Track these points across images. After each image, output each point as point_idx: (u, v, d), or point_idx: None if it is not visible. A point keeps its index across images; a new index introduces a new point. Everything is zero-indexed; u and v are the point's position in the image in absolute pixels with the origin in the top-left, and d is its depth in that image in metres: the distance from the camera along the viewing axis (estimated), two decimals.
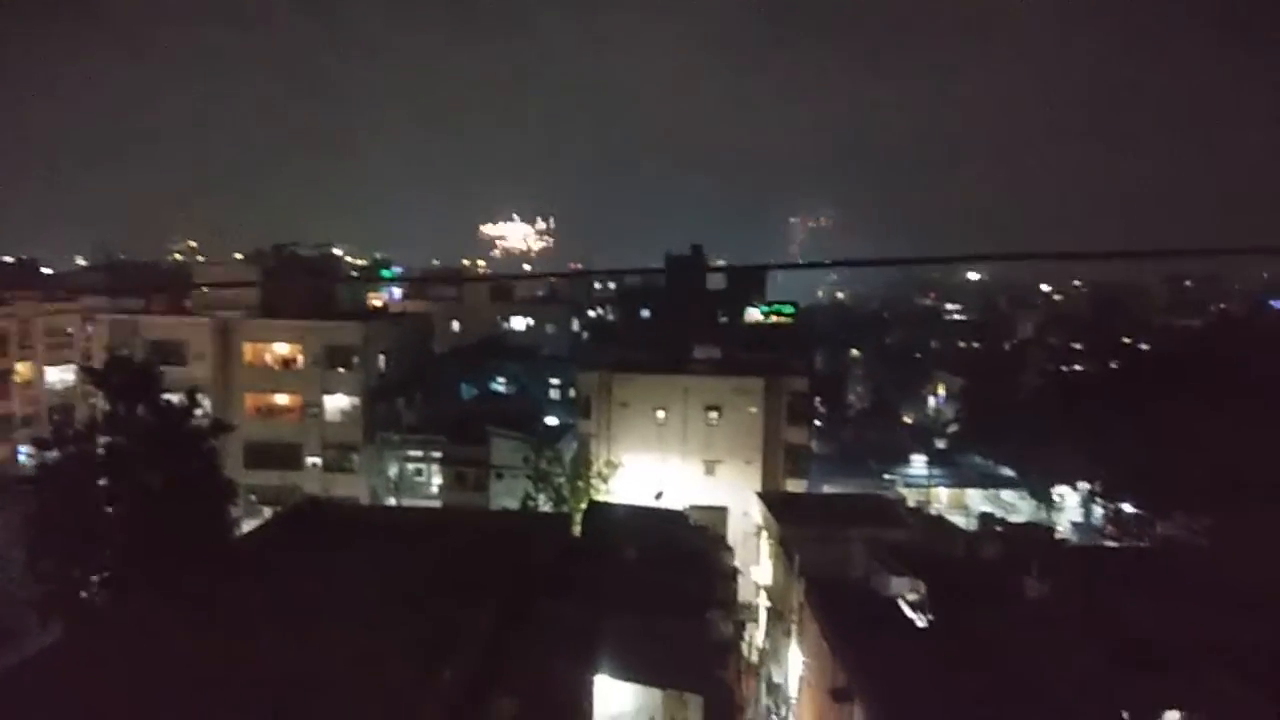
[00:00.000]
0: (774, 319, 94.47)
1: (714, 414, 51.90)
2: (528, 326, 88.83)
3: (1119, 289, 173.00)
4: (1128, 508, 58.81)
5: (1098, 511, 64.04)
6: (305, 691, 14.75)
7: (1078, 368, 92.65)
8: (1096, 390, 69.23)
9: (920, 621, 25.36)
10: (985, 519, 49.51)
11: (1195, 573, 29.57)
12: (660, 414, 51.83)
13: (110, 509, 29.79)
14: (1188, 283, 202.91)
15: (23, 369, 68.43)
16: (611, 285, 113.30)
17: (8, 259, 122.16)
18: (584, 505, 42.28)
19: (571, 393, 61.04)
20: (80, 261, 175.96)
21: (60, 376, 71.35)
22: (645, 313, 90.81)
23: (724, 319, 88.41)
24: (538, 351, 78.83)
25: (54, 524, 28.86)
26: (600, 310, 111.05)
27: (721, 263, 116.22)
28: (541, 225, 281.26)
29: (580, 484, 48.47)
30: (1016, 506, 65.53)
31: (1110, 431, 57.39)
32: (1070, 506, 66.41)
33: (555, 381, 68.79)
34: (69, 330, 72.71)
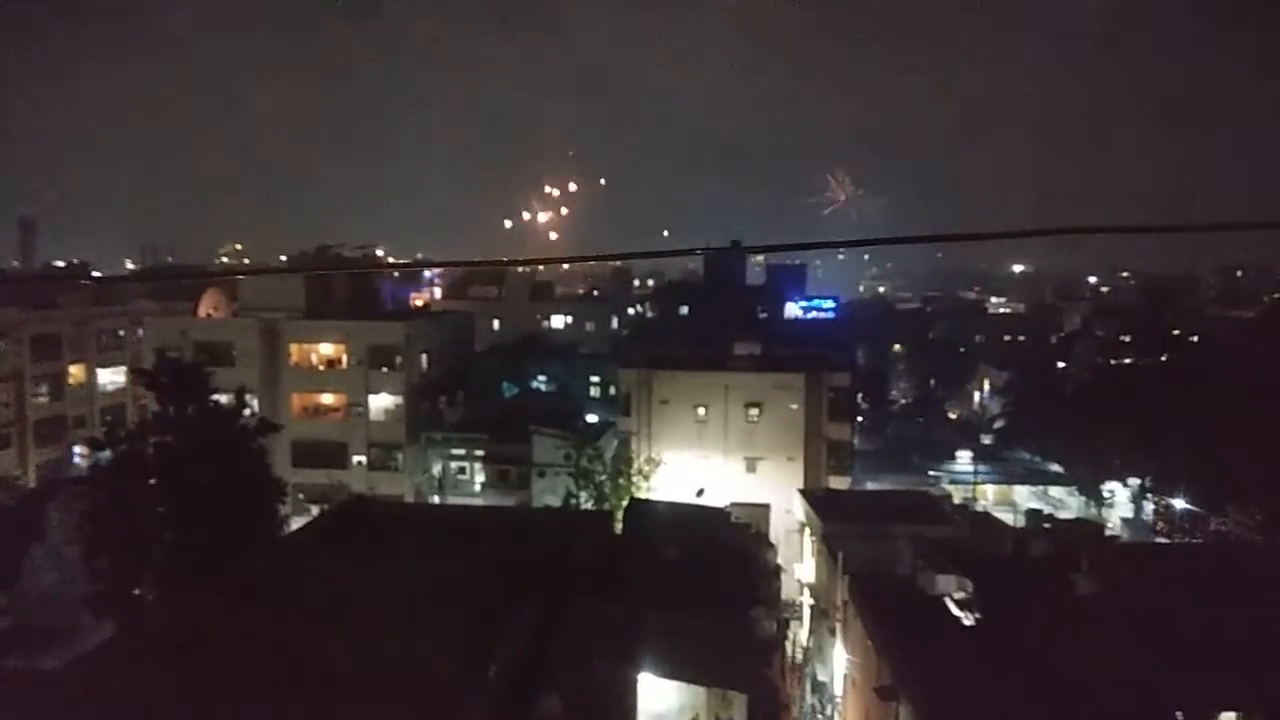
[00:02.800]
0: (814, 314, 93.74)
1: (755, 410, 51.65)
2: (567, 324, 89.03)
3: (1168, 280, 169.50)
4: (1180, 503, 57.63)
5: (1149, 507, 62.84)
6: (352, 687, 14.92)
7: (1127, 360, 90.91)
8: (1146, 383, 67.90)
9: (967, 620, 25.05)
10: (1033, 516, 48.64)
11: (1250, 569, 28.92)
12: (701, 411, 51.70)
13: (162, 508, 30.41)
14: (1239, 273, 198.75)
15: (75, 371, 70.05)
16: (650, 282, 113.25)
17: (59, 263, 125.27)
18: (625, 503, 42.29)
19: (612, 390, 61.03)
20: (129, 265, 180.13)
21: (111, 378, 72.93)
22: (684, 309, 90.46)
23: (763, 314, 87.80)
24: (577, 349, 79.01)
25: (108, 523, 29.53)
26: (639, 307, 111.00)
27: (760, 259, 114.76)
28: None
29: (621, 482, 48.52)
30: (1065, 503, 64.52)
31: (1161, 425, 56.27)
32: (1121, 502, 65.23)
33: (595, 379, 68.79)
34: (120, 333, 74.25)
